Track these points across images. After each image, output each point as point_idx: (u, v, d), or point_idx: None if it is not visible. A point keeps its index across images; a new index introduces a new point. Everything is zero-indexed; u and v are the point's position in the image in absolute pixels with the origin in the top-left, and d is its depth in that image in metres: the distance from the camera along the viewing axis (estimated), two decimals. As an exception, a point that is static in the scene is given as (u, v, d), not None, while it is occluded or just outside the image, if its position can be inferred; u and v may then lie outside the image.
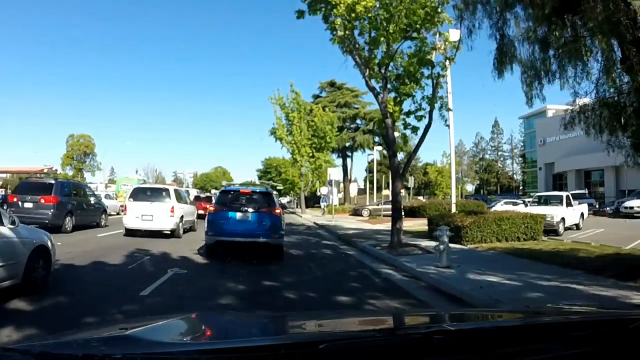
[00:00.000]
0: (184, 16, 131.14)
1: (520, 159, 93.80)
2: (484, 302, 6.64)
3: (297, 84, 43.78)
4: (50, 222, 15.37)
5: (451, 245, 12.79)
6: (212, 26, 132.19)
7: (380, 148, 61.33)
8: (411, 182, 35.70)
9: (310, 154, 43.25)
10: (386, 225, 23.57)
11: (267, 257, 11.23)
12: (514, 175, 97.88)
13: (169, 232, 15.86)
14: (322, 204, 36.64)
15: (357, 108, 67.13)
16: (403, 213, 34.23)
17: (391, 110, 13.49)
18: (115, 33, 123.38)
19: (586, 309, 2.88)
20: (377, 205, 37.43)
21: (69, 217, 16.45)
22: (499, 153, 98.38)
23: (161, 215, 15.62)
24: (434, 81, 13.83)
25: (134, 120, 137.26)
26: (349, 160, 68.64)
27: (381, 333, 1.85)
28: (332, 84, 68.54)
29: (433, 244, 13.91)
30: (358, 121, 67.97)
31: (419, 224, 24.46)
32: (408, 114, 14.16)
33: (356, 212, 37.58)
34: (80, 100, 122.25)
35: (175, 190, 17.64)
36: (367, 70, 13.56)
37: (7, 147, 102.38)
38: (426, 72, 13.96)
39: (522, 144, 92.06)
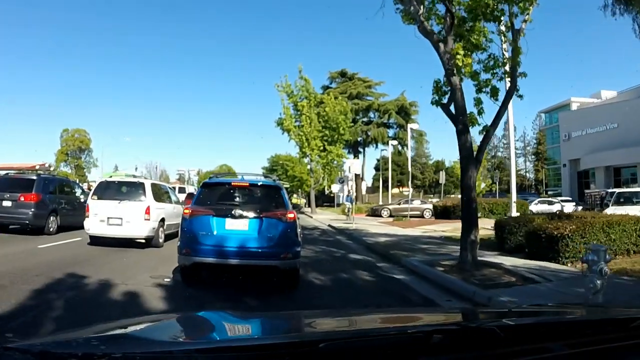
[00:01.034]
0: (185, 10, 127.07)
1: (532, 156, 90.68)
2: None
3: (305, 73, 39.17)
4: (31, 222, 14.26)
5: (541, 263, 9.56)
6: (215, 22, 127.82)
7: (395, 142, 57.65)
8: (442, 177, 31.12)
9: (321, 147, 38.76)
10: (421, 230, 19.30)
11: (273, 292, 7.50)
12: (527, 174, 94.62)
13: (144, 241, 12.44)
14: (347, 204, 28.30)
15: (370, 100, 62.88)
16: (432, 214, 30.44)
17: (460, 64, 8.97)
18: (116, 29, 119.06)
19: (586, 309, 2.84)
20: (399, 204, 33.01)
21: (52, 217, 14.97)
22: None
23: (133, 218, 12.13)
24: (515, 26, 9.48)
25: (137, 116, 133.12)
26: (360, 156, 64.09)
27: (381, 332, 1.83)
28: (343, 74, 64.65)
29: (518, 261, 10.12)
30: (371, 114, 63.81)
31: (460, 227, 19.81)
32: (474, 76, 9.72)
33: (374, 213, 33.63)
34: (79, 95, 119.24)
35: (154, 185, 13.83)
36: (422, 7, 9.13)
37: (3, 144, 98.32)
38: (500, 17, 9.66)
39: (535, 141, 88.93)
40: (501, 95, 9.79)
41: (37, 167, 50.57)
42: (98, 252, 10.99)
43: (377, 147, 65.61)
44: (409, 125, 46.52)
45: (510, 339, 1.60)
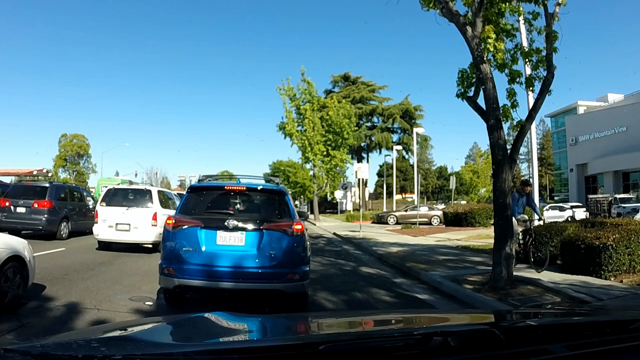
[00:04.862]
0: (185, 13, 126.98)
1: (536, 162, 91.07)
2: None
3: (307, 77, 38.00)
4: (44, 228, 14.85)
5: (582, 278, 8.60)
6: (216, 25, 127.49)
7: (399, 147, 56.47)
8: (453, 183, 29.80)
9: (324, 152, 37.55)
10: (435, 239, 18.09)
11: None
12: (530, 179, 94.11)
13: (151, 246, 12.68)
14: (524, 218, 10.99)
15: (373, 104, 61.81)
16: (440, 221, 29.19)
17: (492, 50, 7.77)
18: (116, 32, 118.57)
19: (586, 310, 2.99)
20: (405, 211, 31.76)
21: (64, 223, 15.64)
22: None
23: (140, 224, 12.57)
24: (548, 9, 8.40)
25: (137, 121, 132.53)
26: (364, 161, 62.89)
27: (382, 334, 1.82)
28: (345, 78, 63.67)
29: (555, 276, 8.92)
30: (375, 118, 62.69)
31: (476, 236, 18.62)
32: (501, 66, 8.57)
33: (380, 220, 32.25)
34: (77, 100, 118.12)
35: (160, 193, 14.05)
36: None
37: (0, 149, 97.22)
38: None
39: (539, 146, 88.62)
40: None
41: (35, 173, 49.18)
42: (79, 264, 9.98)
43: (380, 152, 64.62)
44: (415, 130, 45.30)
45: (510, 341, 1.60)
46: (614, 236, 8.75)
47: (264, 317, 2.33)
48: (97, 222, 12.78)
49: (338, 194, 48.66)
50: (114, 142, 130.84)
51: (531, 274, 9.05)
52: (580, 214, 32.71)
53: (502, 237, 7.78)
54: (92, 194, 21.51)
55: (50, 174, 61.21)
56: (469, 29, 8.11)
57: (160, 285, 6.31)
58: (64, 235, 15.36)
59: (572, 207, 36.04)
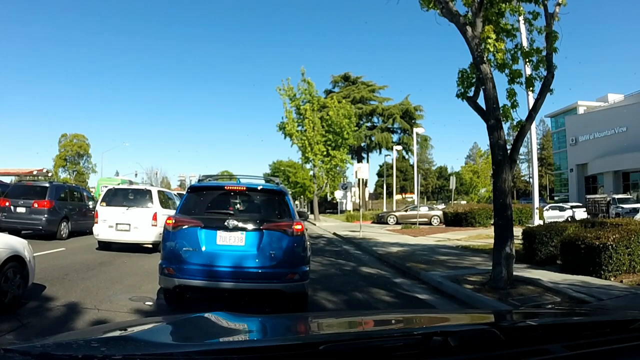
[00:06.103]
0: (186, 13, 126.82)
1: (536, 162, 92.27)
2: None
3: (307, 77, 37.98)
4: (44, 228, 14.88)
5: (582, 278, 8.57)
6: (216, 25, 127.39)
7: (399, 147, 56.50)
8: (453, 183, 29.85)
9: (324, 152, 37.52)
10: (435, 239, 18.07)
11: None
12: (530, 179, 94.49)
13: (151, 246, 12.69)
14: None
15: (373, 104, 61.80)
16: (440, 221, 29.21)
17: (492, 50, 7.77)
18: (116, 32, 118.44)
19: (586, 310, 2.96)
20: (405, 211, 31.73)
21: (64, 223, 15.69)
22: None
23: (141, 224, 12.59)
24: (548, 9, 8.39)
25: (137, 121, 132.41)
26: (364, 161, 62.90)
27: (382, 334, 1.81)
28: (346, 78, 63.69)
29: (555, 276, 8.88)
30: (375, 119, 62.67)
31: (476, 236, 18.64)
32: (501, 67, 8.57)
33: (380, 220, 32.20)
34: (77, 100, 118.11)
35: (160, 193, 14.03)
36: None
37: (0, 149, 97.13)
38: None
39: (539, 146, 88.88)
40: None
41: (35, 173, 49.20)
42: (79, 264, 9.94)
43: (380, 152, 64.70)
44: (415, 130, 45.29)
45: (510, 341, 1.59)
46: (614, 236, 8.75)
47: (264, 317, 2.32)
48: (97, 222, 12.79)
49: (338, 194, 48.70)
50: (114, 142, 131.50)
51: (530, 273, 9.06)
52: (580, 214, 32.74)
53: (502, 237, 7.77)
54: (92, 194, 21.51)
55: (50, 174, 61.25)
56: (469, 29, 8.11)
57: (160, 285, 6.32)
58: (64, 235, 15.39)
59: (572, 207, 36.06)
